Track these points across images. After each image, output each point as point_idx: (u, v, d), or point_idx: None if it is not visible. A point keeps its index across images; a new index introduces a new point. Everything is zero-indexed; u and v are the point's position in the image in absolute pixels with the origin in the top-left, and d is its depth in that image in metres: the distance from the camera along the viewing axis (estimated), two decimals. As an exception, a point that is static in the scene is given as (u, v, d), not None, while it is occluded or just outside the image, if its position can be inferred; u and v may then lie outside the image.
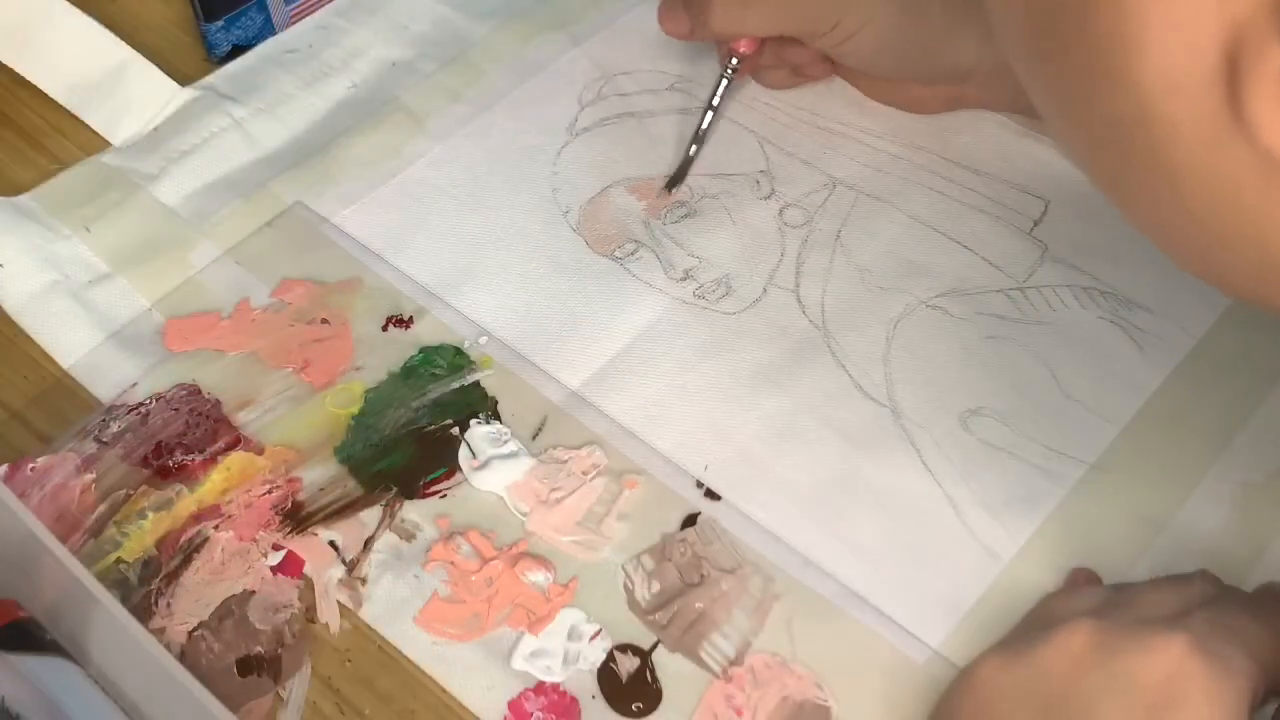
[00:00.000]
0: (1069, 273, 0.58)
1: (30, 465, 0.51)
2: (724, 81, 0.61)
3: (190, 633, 0.48)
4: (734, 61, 0.61)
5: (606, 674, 0.47)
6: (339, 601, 0.49)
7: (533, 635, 0.48)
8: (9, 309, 0.57)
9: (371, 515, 0.51)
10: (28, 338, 0.56)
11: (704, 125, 0.61)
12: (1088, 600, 0.46)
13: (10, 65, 0.64)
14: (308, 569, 0.50)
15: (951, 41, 0.59)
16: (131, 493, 0.51)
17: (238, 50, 0.66)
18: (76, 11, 0.64)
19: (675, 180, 0.61)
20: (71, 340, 0.56)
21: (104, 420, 0.53)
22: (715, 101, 0.61)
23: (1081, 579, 0.49)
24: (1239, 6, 0.28)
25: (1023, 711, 0.42)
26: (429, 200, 0.61)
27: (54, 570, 0.44)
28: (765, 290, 0.58)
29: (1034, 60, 0.33)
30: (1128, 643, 0.41)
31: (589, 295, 0.57)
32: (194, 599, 0.49)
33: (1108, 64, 0.30)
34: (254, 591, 0.49)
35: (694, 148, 0.61)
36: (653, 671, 0.47)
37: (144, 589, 0.49)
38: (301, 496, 0.51)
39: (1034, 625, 0.46)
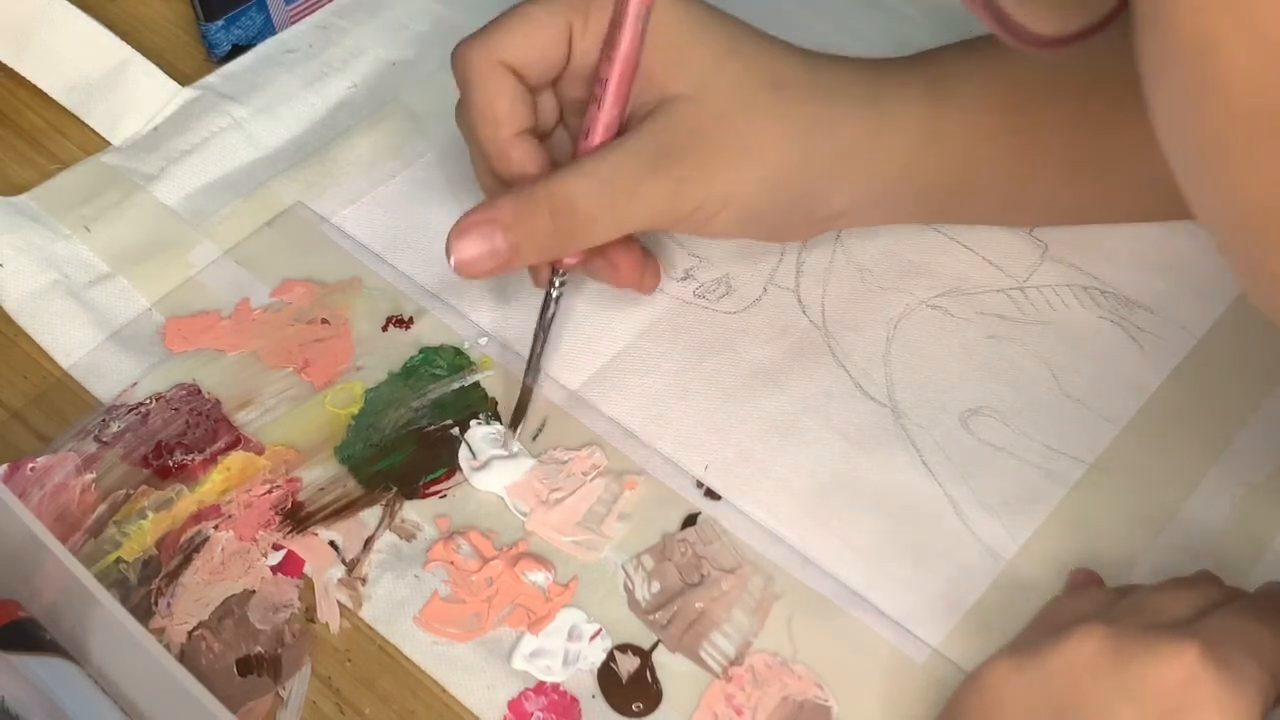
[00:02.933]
0: (1069, 273, 0.58)
1: (30, 465, 0.51)
2: (554, 304, 0.52)
3: (190, 633, 0.48)
4: (563, 275, 0.52)
5: (606, 674, 0.47)
6: (339, 601, 0.49)
7: (533, 635, 0.48)
8: (9, 309, 0.57)
9: (371, 515, 0.51)
10: (28, 338, 0.56)
11: (539, 351, 0.53)
12: (1097, 603, 0.46)
13: (10, 65, 0.64)
14: (308, 569, 0.50)
15: (818, 197, 0.53)
16: (131, 493, 0.51)
17: (238, 50, 0.66)
18: (76, 11, 0.64)
19: (517, 418, 0.53)
20: (71, 340, 0.56)
21: (104, 420, 0.53)
22: (548, 324, 0.52)
23: (1082, 580, 0.49)
24: None
25: (1033, 717, 0.42)
26: (429, 200, 0.61)
27: (54, 570, 0.44)
28: (765, 290, 0.58)
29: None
30: (1140, 649, 0.41)
31: (588, 295, 0.57)
32: (194, 599, 0.49)
33: None
34: (254, 591, 0.49)
35: (532, 377, 0.53)
36: (653, 671, 0.47)
37: (144, 589, 0.49)
38: (301, 496, 0.51)
39: (1043, 629, 0.46)
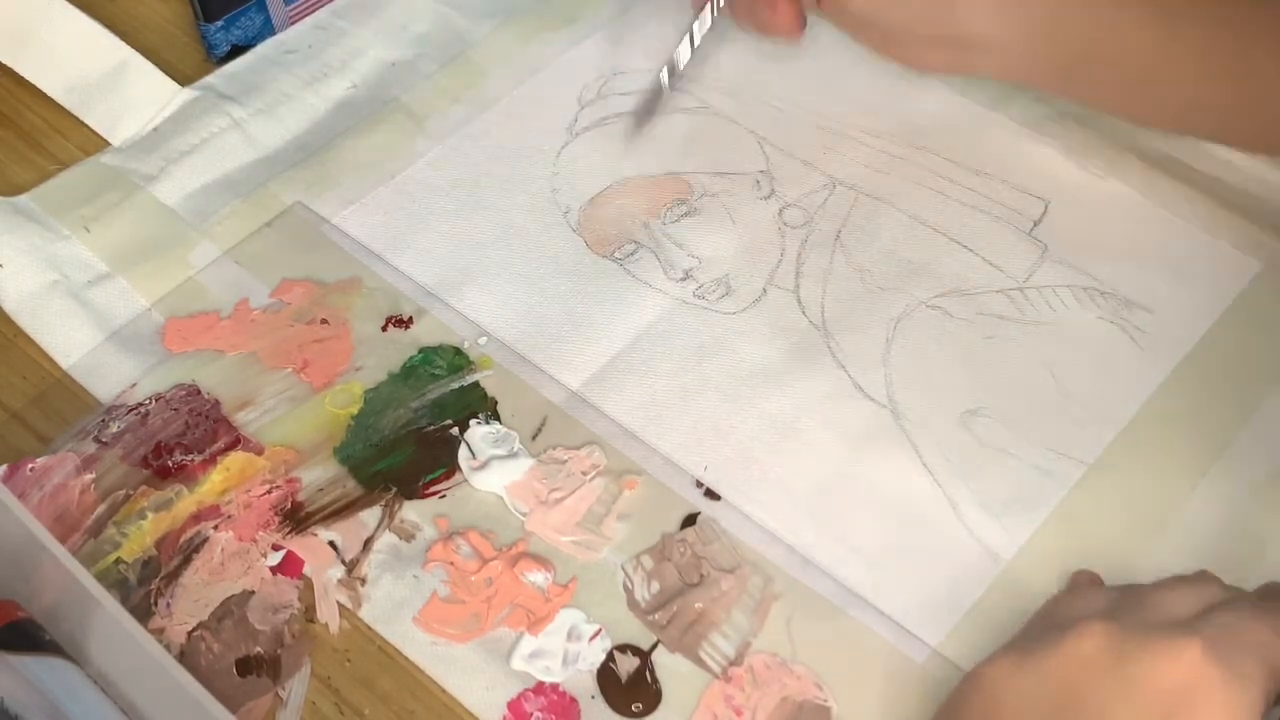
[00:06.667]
0: (1069, 273, 0.58)
1: (30, 465, 0.51)
2: (709, 20, 0.57)
3: (190, 633, 0.48)
4: (720, 1, 0.57)
5: (606, 674, 0.47)
6: (338, 602, 0.49)
7: (532, 635, 0.48)
8: (9, 309, 0.57)
9: (371, 515, 0.51)
10: (28, 338, 0.56)
11: (679, 55, 0.58)
12: (1097, 601, 0.46)
13: (10, 65, 0.64)
14: (307, 569, 0.50)
15: (949, 6, 0.55)
16: (131, 493, 0.51)
17: (237, 50, 0.66)
18: (76, 11, 0.64)
19: (644, 114, 0.59)
20: (71, 340, 0.56)
21: (104, 420, 0.53)
22: (696, 28, 0.57)
23: (1084, 580, 0.49)
24: None
25: (1033, 714, 0.41)
26: (429, 200, 0.61)
27: (54, 570, 0.44)
28: (765, 290, 0.58)
29: None
30: (1140, 648, 0.41)
31: (589, 296, 0.57)
32: (193, 599, 0.49)
33: None
34: (254, 592, 0.49)
35: (665, 77, 0.58)
36: (652, 672, 0.47)
37: (143, 589, 0.49)
38: (301, 496, 0.51)
39: (1042, 627, 0.46)
